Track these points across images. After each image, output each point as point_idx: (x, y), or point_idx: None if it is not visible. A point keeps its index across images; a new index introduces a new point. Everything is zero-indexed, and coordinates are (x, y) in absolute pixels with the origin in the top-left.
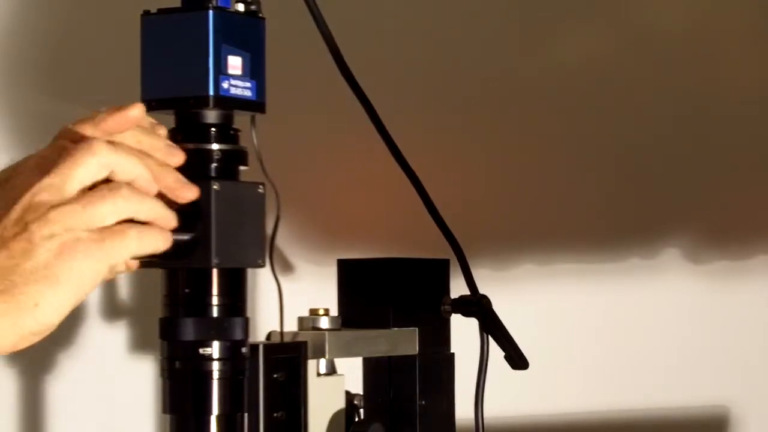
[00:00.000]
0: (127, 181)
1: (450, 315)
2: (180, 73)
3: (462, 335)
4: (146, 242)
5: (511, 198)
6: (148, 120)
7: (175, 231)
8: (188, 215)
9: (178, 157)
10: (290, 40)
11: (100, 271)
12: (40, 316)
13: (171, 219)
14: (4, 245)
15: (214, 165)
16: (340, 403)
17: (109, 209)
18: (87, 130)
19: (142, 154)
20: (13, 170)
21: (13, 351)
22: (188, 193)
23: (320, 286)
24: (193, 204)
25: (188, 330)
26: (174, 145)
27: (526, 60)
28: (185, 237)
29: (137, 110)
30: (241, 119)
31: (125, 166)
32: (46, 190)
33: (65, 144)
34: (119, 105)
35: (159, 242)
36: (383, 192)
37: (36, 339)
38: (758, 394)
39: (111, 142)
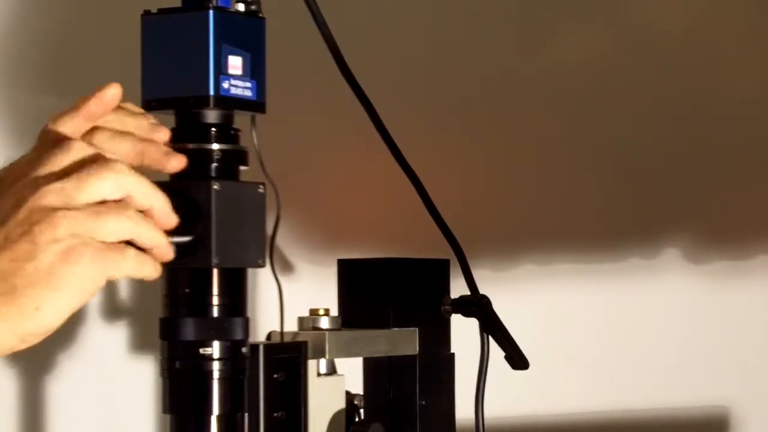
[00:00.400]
0: (142, 209)
1: (450, 315)
2: (180, 73)
3: (462, 335)
4: (141, 267)
5: (511, 198)
6: (133, 106)
7: (174, 233)
8: (187, 216)
9: (163, 133)
10: (290, 40)
11: (99, 281)
12: (41, 320)
13: (169, 251)
14: (8, 247)
15: (214, 165)
16: (340, 403)
17: (114, 226)
18: (70, 123)
19: (127, 133)
20: (8, 171)
21: (10, 353)
22: (175, 161)
23: (320, 286)
24: (192, 204)
25: (188, 330)
26: (158, 123)
27: (526, 60)
28: (185, 239)
29: (113, 89)
30: (241, 119)
31: (142, 191)
32: (54, 193)
33: (84, 156)
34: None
35: (151, 272)
36: (383, 192)
37: (34, 342)
38: (758, 394)
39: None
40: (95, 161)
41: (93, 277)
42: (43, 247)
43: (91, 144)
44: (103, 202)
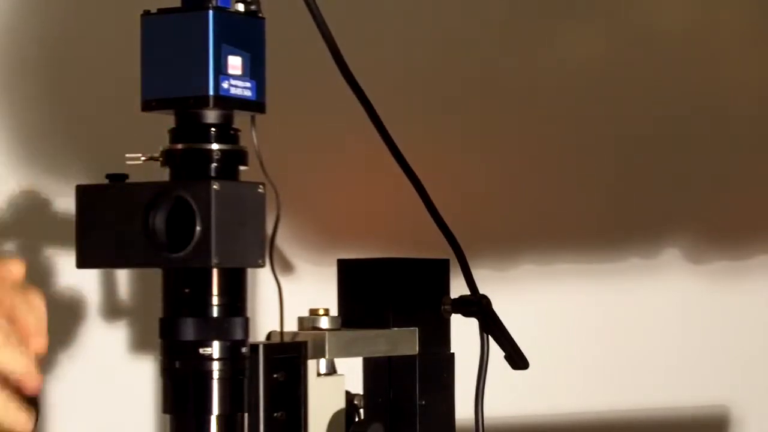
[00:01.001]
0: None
1: (450, 315)
2: (180, 73)
3: (462, 335)
4: (7, 412)
5: (511, 198)
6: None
7: (175, 238)
8: (186, 220)
9: (40, 345)
10: (290, 40)
11: None
12: None
13: (34, 379)
14: None
15: (214, 165)
16: (340, 403)
17: None
18: None
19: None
20: None
21: None
22: (31, 384)
23: (320, 286)
24: (189, 207)
25: (188, 330)
26: (43, 322)
27: (526, 60)
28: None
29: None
30: (241, 119)
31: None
32: None
33: None
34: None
35: (21, 421)
36: (383, 192)
37: None
38: (758, 394)
39: None
40: None
41: None
42: None
43: None
44: None
